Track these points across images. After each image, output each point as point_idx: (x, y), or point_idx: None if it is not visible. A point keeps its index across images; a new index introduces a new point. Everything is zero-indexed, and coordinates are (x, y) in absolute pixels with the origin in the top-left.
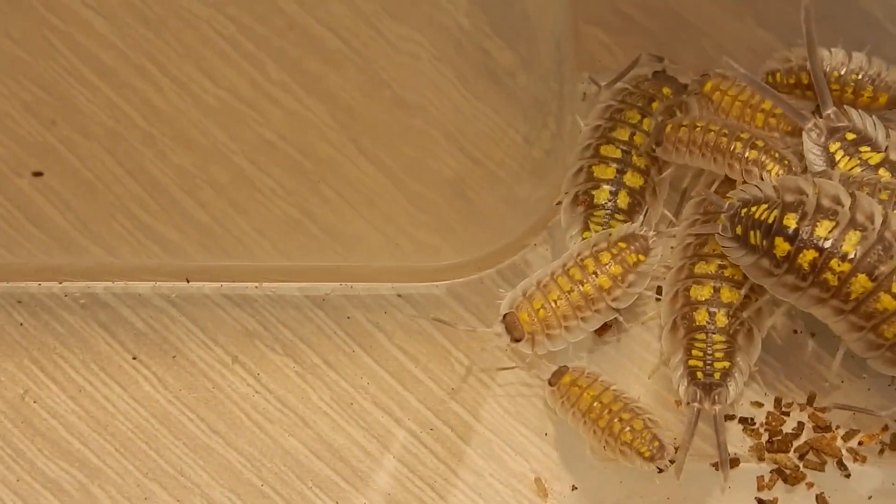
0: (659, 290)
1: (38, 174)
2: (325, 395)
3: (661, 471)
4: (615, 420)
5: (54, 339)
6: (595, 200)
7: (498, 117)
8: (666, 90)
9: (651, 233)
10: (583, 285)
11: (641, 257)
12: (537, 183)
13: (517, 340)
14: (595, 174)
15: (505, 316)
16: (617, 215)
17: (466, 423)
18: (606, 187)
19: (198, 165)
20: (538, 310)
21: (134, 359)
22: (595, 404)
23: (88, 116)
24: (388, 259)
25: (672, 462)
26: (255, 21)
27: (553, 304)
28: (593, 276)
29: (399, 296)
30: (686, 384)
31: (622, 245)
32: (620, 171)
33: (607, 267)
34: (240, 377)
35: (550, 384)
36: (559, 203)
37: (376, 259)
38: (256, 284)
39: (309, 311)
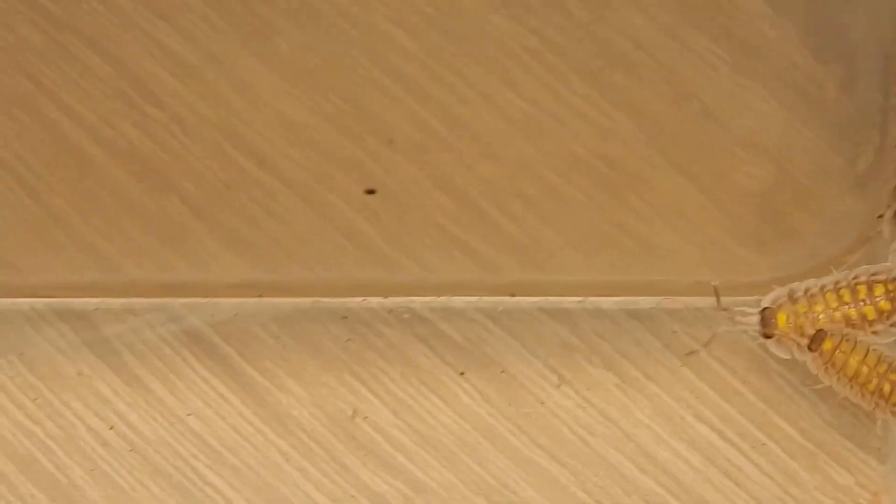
0: None
1: (370, 192)
2: (646, 409)
3: None
4: (884, 382)
5: (375, 354)
6: None
7: (808, 130)
8: None
9: None
10: (848, 308)
11: None
12: (857, 197)
13: (767, 337)
14: None
15: (763, 310)
16: None
17: (790, 437)
18: None
19: (506, 178)
20: (798, 315)
21: (461, 374)
22: (862, 368)
23: (393, 128)
24: (702, 273)
25: None
26: (557, 33)
27: (814, 316)
28: (861, 303)
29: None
30: None
31: None
32: None
33: (878, 299)
34: (561, 391)
35: (811, 349)
36: (881, 216)
37: (691, 273)
38: (576, 299)
39: (626, 323)
